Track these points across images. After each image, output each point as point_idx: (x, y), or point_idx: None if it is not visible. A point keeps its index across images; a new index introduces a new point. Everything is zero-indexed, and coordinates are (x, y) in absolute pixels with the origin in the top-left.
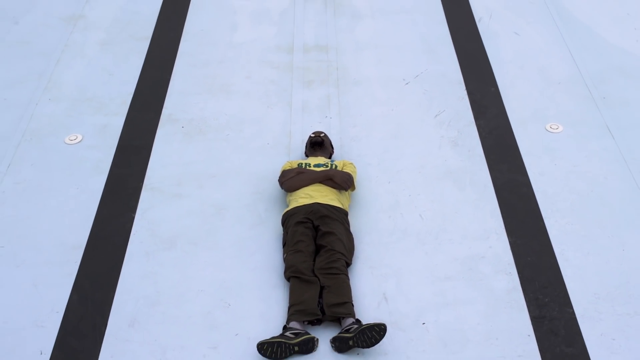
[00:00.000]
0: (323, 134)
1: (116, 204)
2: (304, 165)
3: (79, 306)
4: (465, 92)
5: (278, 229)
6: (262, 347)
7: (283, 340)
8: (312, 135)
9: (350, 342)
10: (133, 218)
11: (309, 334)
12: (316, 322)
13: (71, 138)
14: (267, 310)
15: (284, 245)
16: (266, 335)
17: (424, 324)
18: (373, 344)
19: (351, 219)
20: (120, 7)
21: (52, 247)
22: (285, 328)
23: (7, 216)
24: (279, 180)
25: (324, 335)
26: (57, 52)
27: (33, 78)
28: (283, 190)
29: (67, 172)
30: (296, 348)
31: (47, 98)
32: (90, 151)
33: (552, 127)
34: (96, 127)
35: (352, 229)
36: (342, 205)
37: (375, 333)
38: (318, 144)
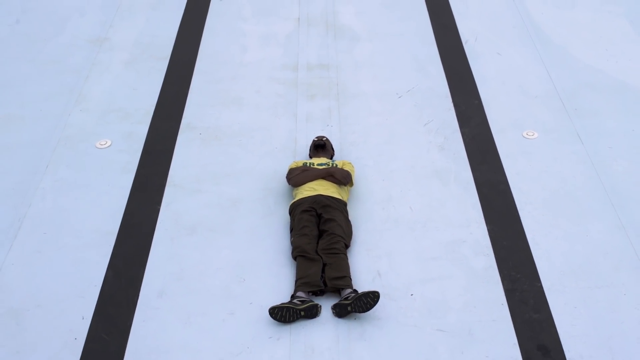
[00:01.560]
0: (325, 138)
1: (143, 198)
2: (308, 164)
3: (114, 281)
4: (452, 104)
5: (286, 219)
6: (273, 311)
7: (291, 305)
8: (315, 139)
9: (349, 308)
10: (158, 210)
11: (313, 301)
12: (319, 293)
13: (101, 143)
14: (277, 284)
15: (291, 230)
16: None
17: (412, 295)
18: (368, 309)
19: (350, 210)
20: (141, 31)
21: (88, 233)
22: (292, 297)
23: (47, 208)
24: (286, 177)
25: (326, 303)
26: (86, 70)
27: (65, 92)
28: (290, 185)
29: (98, 172)
30: (302, 313)
31: (78, 109)
32: (118, 154)
33: (529, 134)
34: (123, 134)
35: (350, 218)
36: (342, 197)
37: (370, 299)
38: (321, 147)
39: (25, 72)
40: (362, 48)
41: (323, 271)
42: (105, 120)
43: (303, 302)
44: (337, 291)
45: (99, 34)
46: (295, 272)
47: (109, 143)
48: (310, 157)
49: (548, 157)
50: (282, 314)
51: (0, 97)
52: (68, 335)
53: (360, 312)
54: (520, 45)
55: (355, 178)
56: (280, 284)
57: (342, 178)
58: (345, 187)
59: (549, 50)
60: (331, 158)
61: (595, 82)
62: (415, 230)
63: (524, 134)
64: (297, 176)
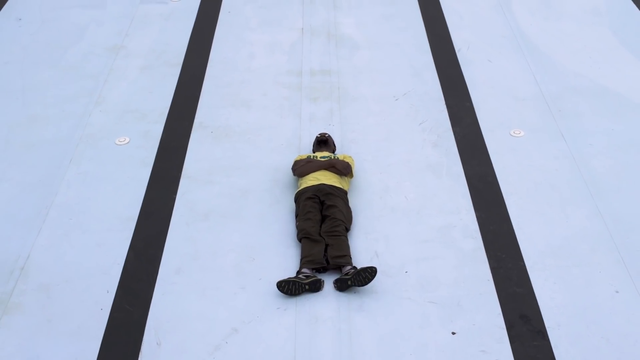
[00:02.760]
0: (327, 134)
1: (160, 188)
2: (312, 157)
3: (135, 260)
4: (445, 106)
5: (291, 206)
6: (281, 284)
7: (297, 280)
8: (319, 135)
9: (349, 282)
10: (174, 198)
11: (316, 276)
12: (322, 270)
13: (120, 140)
14: (284, 263)
15: (296, 216)
16: None
17: (406, 272)
18: (366, 283)
19: (350, 199)
20: (155, 40)
21: (110, 219)
22: (298, 273)
23: (72, 197)
24: (292, 168)
25: (328, 279)
26: (104, 75)
27: (85, 95)
28: (295, 176)
29: (118, 165)
30: (307, 287)
31: (98, 110)
32: (137, 150)
33: (516, 132)
34: (140, 132)
35: (350, 206)
36: (343, 186)
37: (368, 274)
38: (323, 142)
39: (47, 77)
40: (361, 56)
41: (325, 251)
42: (124, 120)
43: (307, 277)
44: (338, 268)
45: (115, 43)
46: (300, 252)
47: (127, 140)
48: (314, 151)
49: (533, 153)
50: (289, 287)
51: (25, 99)
52: (94, 306)
53: (359, 285)
54: (509, 54)
55: (355, 170)
56: (286, 262)
57: (343, 169)
58: (346, 178)
59: (536, 58)
60: (333, 152)
61: (579, 86)
62: (409, 216)
63: (511, 133)
64: (301, 167)
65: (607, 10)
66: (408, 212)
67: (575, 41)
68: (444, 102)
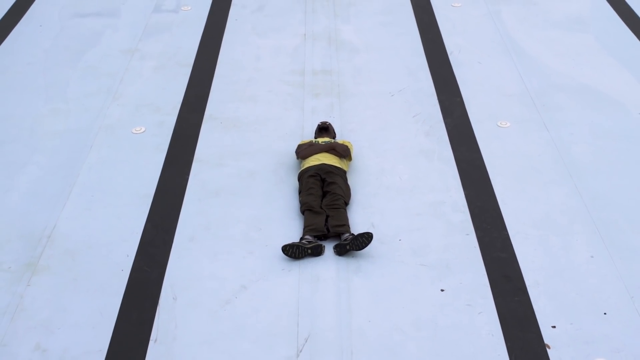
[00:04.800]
0: (328, 122)
1: (174, 170)
2: (314, 141)
3: (152, 230)
4: (437, 101)
5: (295, 185)
6: (285, 248)
7: (300, 244)
8: (320, 123)
9: (347, 247)
10: (187, 178)
11: (318, 242)
12: (323, 237)
13: (137, 129)
14: (288, 232)
15: (299, 192)
16: None
17: (400, 240)
18: (363, 247)
19: (348, 179)
20: (167, 43)
21: (129, 196)
22: (301, 239)
23: (93, 178)
24: (295, 152)
25: (329, 245)
26: (120, 74)
27: (103, 91)
28: (298, 159)
29: (135, 151)
30: (309, 251)
31: (115, 104)
32: (152, 138)
33: (502, 123)
34: (155, 123)
35: (349, 184)
36: (342, 166)
37: (365, 239)
38: (324, 129)
39: (67, 75)
40: (360, 58)
41: (326, 222)
42: (139, 112)
43: (310, 242)
44: (338, 237)
45: (130, 45)
46: (303, 222)
47: (143, 129)
48: (316, 137)
49: (518, 141)
50: (293, 251)
51: (48, 94)
52: (115, 268)
53: (356, 250)
54: (498, 56)
55: (353, 155)
56: (291, 232)
57: (342, 151)
58: (345, 161)
59: (523, 60)
60: (333, 139)
61: (562, 84)
62: (403, 194)
63: (498, 124)
64: (304, 150)
65: (591, 18)
66: (402, 190)
67: (559, 45)
68: (436, 97)
